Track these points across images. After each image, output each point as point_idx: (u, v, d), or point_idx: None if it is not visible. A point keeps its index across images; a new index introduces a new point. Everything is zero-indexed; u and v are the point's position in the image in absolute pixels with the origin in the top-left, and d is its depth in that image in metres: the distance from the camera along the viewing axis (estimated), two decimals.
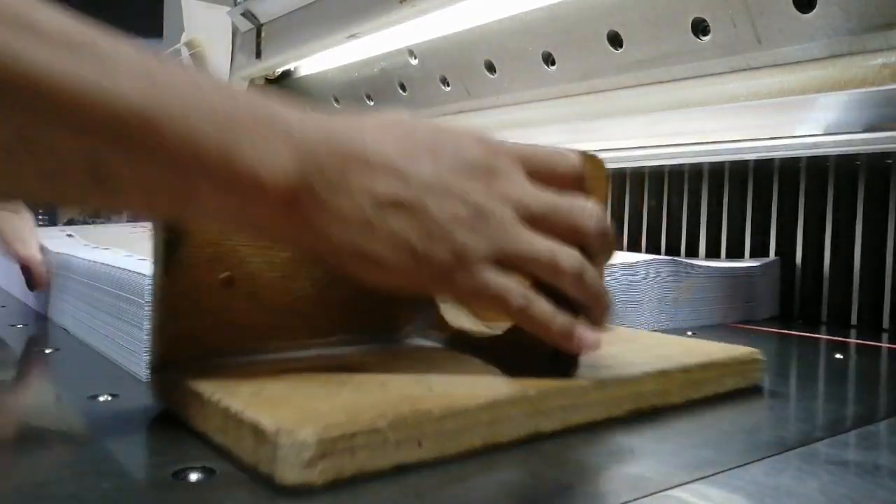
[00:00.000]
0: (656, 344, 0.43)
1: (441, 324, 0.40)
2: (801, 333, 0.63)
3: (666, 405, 0.35)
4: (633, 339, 0.44)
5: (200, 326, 0.34)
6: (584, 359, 0.33)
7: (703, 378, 0.37)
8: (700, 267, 0.64)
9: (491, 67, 0.90)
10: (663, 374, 0.35)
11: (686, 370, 0.36)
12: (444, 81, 0.98)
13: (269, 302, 0.36)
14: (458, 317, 0.40)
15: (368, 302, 0.38)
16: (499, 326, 0.38)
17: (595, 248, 0.33)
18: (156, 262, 0.33)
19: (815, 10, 0.58)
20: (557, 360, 0.32)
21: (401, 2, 0.84)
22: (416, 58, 1.01)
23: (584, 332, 0.32)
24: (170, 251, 0.33)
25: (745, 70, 0.65)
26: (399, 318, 0.41)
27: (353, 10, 0.93)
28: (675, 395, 0.36)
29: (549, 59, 0.82)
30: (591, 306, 0.33)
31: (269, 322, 0.36)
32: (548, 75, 0.83)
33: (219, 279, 0.34)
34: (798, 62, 0.61)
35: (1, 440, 0.31)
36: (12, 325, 0.58)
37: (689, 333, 0.58)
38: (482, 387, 0.30)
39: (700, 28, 0.67)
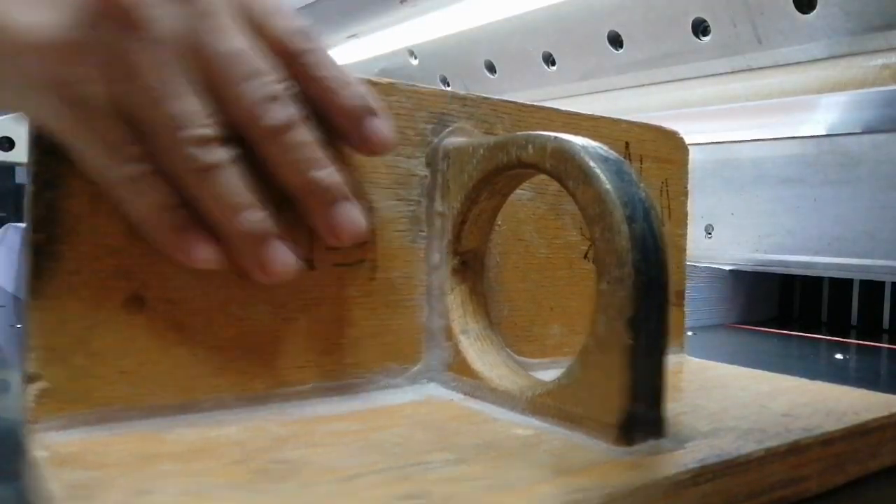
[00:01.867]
0: (752, 387, 0.30)
1: (460, 365, 0.29)
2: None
3: (798, 499, 0.23)
4: (714, 379, 0.32)
5: (91, 374, 0.23)
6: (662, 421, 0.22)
7: (851, 452, 0.24)
8: (700, 267, 0.64)
9: (491, 67, 0.90)
10: (794, 451, 0.22)
11: (827, 440, 0.23)
12: (445, 81, 0.98)
13: (204, 335, 0.25)
14: (483, 354, 0.29)
15: (357, 331, 0.28)
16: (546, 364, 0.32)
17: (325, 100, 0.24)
18: (25, 279, 0.23)
19: (815, 11, 0.58)
20: None
21: (401, 2, 0.84)
22: (416, 58, 1.01)
23: (275, 249, 0.23)
24: (43, 261, 0.22)
25: (745, 70, 0.65)
26: (401, 355, 0.30)
27: (353, 10, 0.93)
28: (813, 481, 0.23)
29: (549, 59, 0.82)
30: (302, 198, 0.24)
31: (201, 366, 0.25)
32: (548, 75, 0.83)
33: (121, 300, 0.23)
34: (798, 63, 0.61)
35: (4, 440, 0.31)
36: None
37: (690, 333, 0.58)
38: (510, 494, 0.18)
39: (700, 28, 0.67)
